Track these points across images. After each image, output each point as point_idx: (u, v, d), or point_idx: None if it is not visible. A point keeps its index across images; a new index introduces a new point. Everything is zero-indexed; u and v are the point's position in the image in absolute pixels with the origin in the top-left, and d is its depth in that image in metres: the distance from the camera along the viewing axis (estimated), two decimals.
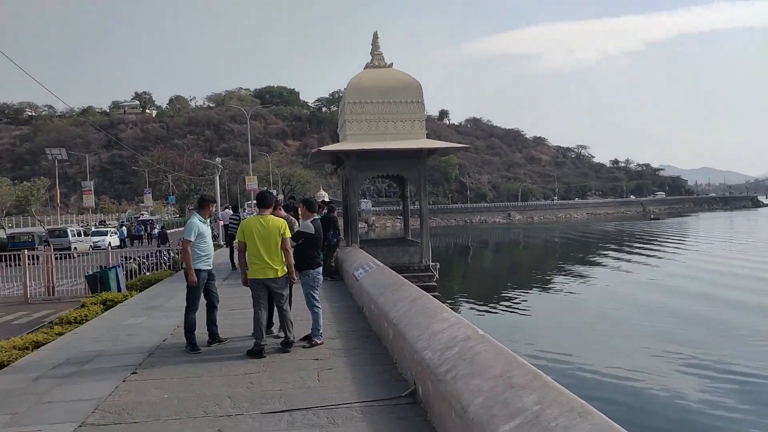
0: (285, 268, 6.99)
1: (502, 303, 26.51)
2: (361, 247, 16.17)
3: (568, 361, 16.34)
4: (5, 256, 19.72)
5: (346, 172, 17.95)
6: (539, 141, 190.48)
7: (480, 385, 3.83)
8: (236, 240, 6.82)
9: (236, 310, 9.56)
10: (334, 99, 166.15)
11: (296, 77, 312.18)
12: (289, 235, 7.01)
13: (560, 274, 36.61)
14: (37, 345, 8.19)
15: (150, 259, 20.30)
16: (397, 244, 18.87)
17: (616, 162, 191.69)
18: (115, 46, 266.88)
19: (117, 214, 76.87)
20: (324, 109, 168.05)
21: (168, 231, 41.94)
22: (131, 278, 16.27)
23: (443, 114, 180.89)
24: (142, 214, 63.83)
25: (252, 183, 45.73)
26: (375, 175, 18.44)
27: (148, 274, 17.41)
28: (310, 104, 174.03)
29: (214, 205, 8.24)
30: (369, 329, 8.13)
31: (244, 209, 51.12)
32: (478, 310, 24.75)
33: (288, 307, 7.28)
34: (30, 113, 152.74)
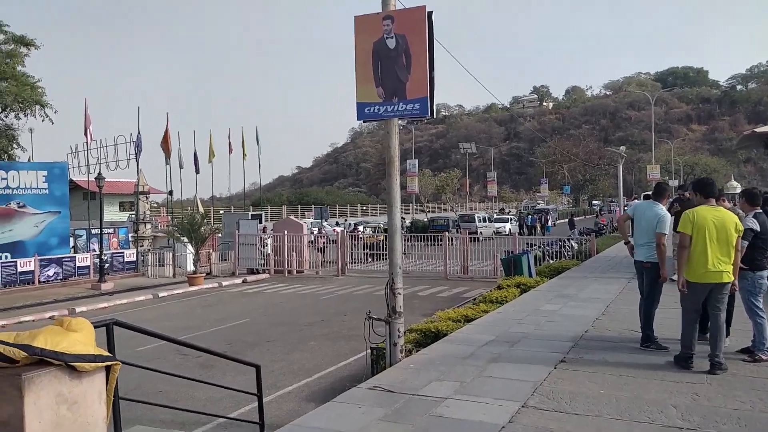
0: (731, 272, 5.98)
1: None
2: None
3: None
4: (428, 236, 23.33)
5: None
6: None
7: None
8: (675, 231, 6.08)
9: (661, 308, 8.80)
10: (753, 75, 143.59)
11: (706, 55, 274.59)
12: (741, 230, 5.98)
13: None
14: (468, 319, 9.00)
15: (552, 246, 20.74)
16: None
17: None
18: (517, 45, 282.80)
19: (515, 203, 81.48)
20: (739, 87, 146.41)
21: (576, 218, 42.76)
22: (537, 265, 16.78)
23: None
24: (538, 203, 66.11)
25: (654, 172, 42.84)
26: None
27: (552, 262, 17.73)
28: (721, 83, 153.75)
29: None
30: None
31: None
32: None
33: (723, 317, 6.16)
34: (444, 113, 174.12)
